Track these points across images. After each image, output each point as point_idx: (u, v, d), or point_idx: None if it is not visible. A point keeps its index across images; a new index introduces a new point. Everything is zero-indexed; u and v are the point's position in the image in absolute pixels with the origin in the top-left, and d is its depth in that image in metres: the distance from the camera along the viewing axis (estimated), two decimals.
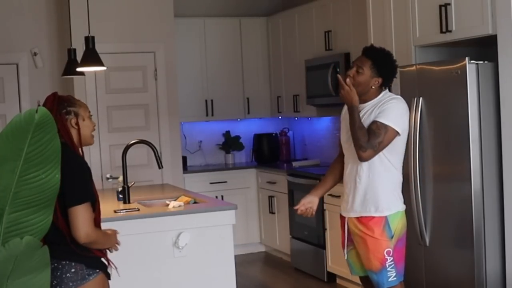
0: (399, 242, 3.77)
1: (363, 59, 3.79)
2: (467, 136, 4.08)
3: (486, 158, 4.09)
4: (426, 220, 4.40)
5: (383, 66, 3.78)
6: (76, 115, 3.17)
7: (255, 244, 7.46)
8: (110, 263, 3.20)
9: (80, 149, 3.16)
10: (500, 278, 4.11)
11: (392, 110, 3.69)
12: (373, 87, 3.76)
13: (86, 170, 3.08)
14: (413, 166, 4.38)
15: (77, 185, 2.99)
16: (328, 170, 4.14)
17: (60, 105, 3.13)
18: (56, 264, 3.00)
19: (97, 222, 3.11)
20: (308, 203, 4.01)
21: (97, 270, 3.09)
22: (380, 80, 3.77)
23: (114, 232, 3.26)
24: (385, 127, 3.66)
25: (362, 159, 3.68)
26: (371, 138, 3.64)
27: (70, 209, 2.96)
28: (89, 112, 3.29)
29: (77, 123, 3.16)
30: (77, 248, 3.01)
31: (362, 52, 3.85)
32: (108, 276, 3.19)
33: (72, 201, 2.96)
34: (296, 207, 4.03)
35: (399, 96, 3.86)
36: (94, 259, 3.10)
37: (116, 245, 3.26)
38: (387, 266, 3.72)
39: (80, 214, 2.97)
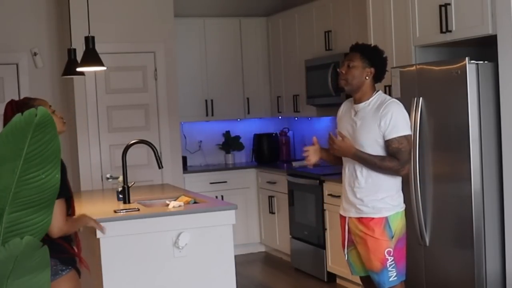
0: (399, 242, 3.78)
1: (352, 54, 3.85)
2: (467, 136, 4.08)
3: (486, 158, 4.10)
4: (426, 220, 4.40)
5: (373, 56, 3.83)
6: None
7: (255, 244, 7.46)
8: (83, 262, 3.29)
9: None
10: (500, 278, 4.11)
11: (399, 119, 3.72)
12: (367, 77, 3.79)
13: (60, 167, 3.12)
14: (413, 166, 4.38)
15: None
16: None
17: (20, 112, 3.12)
18: None
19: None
20: (315, 150, 4.00)
21: (70, 267, 3.20)
22: (372, 70, 3.80)
23: (84, 217, 3.43)
24: (405, 138, 3.72)
25: (405, 176, 3.83)
26: (401, 156, 3.70)
27: None
28: (50, 107, 3.28)
29: None
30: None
31: (349, 50, 3.91)
32: (79, 274, 3.26)
33: None
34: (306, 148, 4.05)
35: (390, 97, 3.86)
36: (68, 257, 3.16)
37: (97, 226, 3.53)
38: (387, 266, 3.72)
39: (54, 210, 3.00)
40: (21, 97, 6.64)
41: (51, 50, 6.92)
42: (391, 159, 3.69)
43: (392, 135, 3.69)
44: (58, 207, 3.06)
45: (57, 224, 3.09)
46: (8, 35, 6.75)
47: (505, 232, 4.06)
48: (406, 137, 3.72)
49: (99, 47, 4.85)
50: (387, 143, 3.71)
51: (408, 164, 3.75)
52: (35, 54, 6.84)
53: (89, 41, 4.72)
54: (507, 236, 4.04)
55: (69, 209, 3.34)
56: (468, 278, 4.13)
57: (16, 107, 3.17)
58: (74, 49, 5.42)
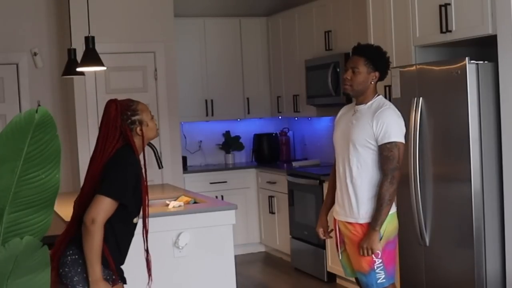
0: (389, 244, 3.71)
1: (356, 59, 3.78)
2: (467, 136, 4.08)
3: (486, 158, 4.10)
4: (426, 220, 4.40)
5: (377, 60, 3.77)
6: (140, 123, 3.19)
7: (255, 244, 7.46)
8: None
9: (142, 152, 3.25)
10: (500, 278, 4.11)
11: (392, 125, 3.65)
12: (372, 82, 3.76)
13: (131, 171, 3.12)
14: (413, 166, 4.39)
15: (112, 179, 3.06)
16: (329, 185, 4.05)
17: (124, 115, 3.16)
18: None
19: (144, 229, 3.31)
20: (325, 226, 4.02)
21: (119, 281, 3.25)
22: (377, 74, 3.76)
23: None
24: (395, 145, 3.63)
25: (400, 178, 3.69)
26: (388, 165, 3.61)
27: (96, 195, 3.02)
28: (150, 112, 3.28)
29: (141, 130, 3.20)
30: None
31: (352, 53, 3.85)
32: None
33: (102, 189, 3.03)
34: (323, 237, 4.05)
35: (390, 103, 3.83)
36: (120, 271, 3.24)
37: None
38: (375, 268, 3.66)
39: (100, 203, 3.01)
40: (21, 97, 6.74)
41: (51, 50, 6.92)
42: (383, 184, 3.61)
43: (384, 140, 3.63)
44: (105, 204, 2.99)
45: (94, 215, 2.98)
46: (8, 35, 6.75)
47: (505, 232, 4.06)
48: (396, 144, 3.63)
49: (99, 47, 4.85)
50: (380, 150, 3.67)
51: (397, 171, 3.63)
52: (35, 54, 6.84)
53: (89, 41, 4.72)
54: (507, 236, 4.04)
55: (128, 220, 3.23)
56: (468, 278, 4.13)
57: (121, 107, 3.15)
58: (74, 49, 5.42)
